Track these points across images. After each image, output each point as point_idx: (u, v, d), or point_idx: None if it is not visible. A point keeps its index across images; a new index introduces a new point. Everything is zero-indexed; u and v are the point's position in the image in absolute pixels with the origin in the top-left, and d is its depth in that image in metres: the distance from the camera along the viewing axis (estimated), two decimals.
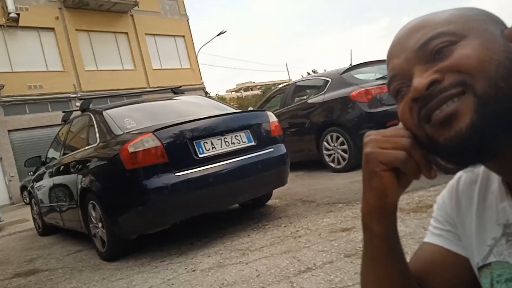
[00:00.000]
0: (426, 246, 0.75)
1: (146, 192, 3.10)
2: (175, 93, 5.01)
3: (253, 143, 3.62)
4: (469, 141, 0.51)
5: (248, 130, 3.65)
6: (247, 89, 73.70)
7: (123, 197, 3.29)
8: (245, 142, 3.58)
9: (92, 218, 3.66)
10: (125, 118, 3.73)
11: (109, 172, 3.46)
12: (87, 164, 3.70)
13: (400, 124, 0.62)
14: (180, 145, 3.27)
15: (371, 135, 0.63)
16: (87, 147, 3.90)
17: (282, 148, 3.85)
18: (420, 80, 0.55)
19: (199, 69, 25.14)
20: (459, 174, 0.74)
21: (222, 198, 3.46)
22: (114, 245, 3.44)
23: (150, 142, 3.15)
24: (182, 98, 4.71)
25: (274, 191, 4.38)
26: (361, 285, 0.74)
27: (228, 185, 3.38)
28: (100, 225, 3.52)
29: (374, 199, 0.63)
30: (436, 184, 3.51)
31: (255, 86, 72.74)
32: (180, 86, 5.25)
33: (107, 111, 3.90)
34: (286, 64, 77.96)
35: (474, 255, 0.67)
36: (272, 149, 3.74)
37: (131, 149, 3.12)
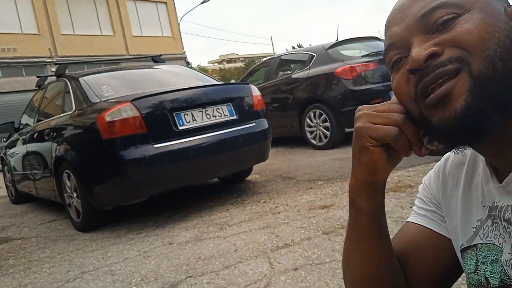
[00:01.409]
0: (410, 226, 0.75)
1: (123, 163, 3.03)
2: (155, 61, 4.86)
3: (234, 117, 3.56)
4: (463, 122, 0.50)
5: (230, 104, 3.58)
6: (230, 61, 72.77)
7: (99, 168, 3.20)
8: (226, 115, 3.51)
9: (66, 188, 3.56)
10: (102, 85, 3.60)
11: (85, 141, 3.36)
12: (62, 132, 3.57)
13: (393, 98, 0.60)
14: (160, 116, 3.18)
15: (363, 110, 0.61)
16: (62, 115, 3.76)
17: (264, 123, 3.80)
18: (419, 50, 0.52)
19: (180, 38, 24.59)
20: (447, 155, 0.73)
21: (201, 172, 3.42)
22: (89, 215, 3.37)
23: (128, 111, 3.05)
24: (162, 67, 4.58)
25: (254, 167, 4.36)
26: (343, 262, 0.74)
27: (208, 159, 3.33)
28: (75, 195, 3.43)
29: (363, 174, 0.62)
30: (415, 164, 3.55)
31: (239, 58, 71.83)
32: (161, 55, 5.09)
33: (83, 77, 3.75)
34: (271, 37, 77.10)
35: (458, 236, 0.67)
36: (254, 124, 3.69)
37: (108, 118, 3.02)
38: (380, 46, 5.65)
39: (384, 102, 0.61)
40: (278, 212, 2.99)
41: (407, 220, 0.77)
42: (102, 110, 3.11)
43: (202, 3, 24.65)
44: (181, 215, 3.37)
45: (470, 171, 0.67)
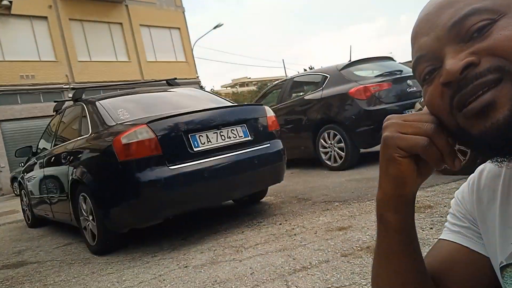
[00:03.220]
0: (443, 243, 0.70)
1: (139, 185, 3.03)
2: (170, 84, 4.92)
3: (249, 138, 3.55)
4: (507, 133, 0.47)
5: (245, 125, 3.58)
6: (242, 84, 73.51)
7: (115, 190, 3.21)
8: (241, 136, 3.51)
9: (82, 211, 3.57)
10: (118, 109, 3.64)
11: (101, 164, 3.37)
12: (79, 156, 3.61)
13: (425, 109, 0.57)
14: (175, 138, 3.19)
15: (391, 119, 0.58)
16: (79, 138, 3.80)
17: (278, 144, 3.79)
18: (454, 62, 0.49)
19: (194, 63, 24.93)
20: (481, 167, 0.69)
21: (216, 193, 3.40)
22: (104, 238, 3.36)
23: (144, 134, 3.07)
24: (177, 90, 4.63)
25: (270, 188, 4.32)
26: (372, 281, 0.69)
27: (223, 180, 3.31)
28: (90, 218, 3.44)
29: (391, 187, 0.59)
30: (433, 184, 3.47)
31: (251, 82, 72.53)
32: (175, 78, 5.15)
33: (100, 101, 3.81)
34: (283, 60, 77.71)
35: (497, 253, 0.62)
36: (268, 145, 3.68)
37: (124, 141, 3.04)
38: (394, 66, 5.64)
39: (415, 112, 0.58)
40: (295, 234, 2.93)
41: (440, 237, 0.72)
42: (118, 132, 3.14)
43: (214, 28, 25.13)
44: (196, 238, 3.33)
45: (507, 182, 0.62)
